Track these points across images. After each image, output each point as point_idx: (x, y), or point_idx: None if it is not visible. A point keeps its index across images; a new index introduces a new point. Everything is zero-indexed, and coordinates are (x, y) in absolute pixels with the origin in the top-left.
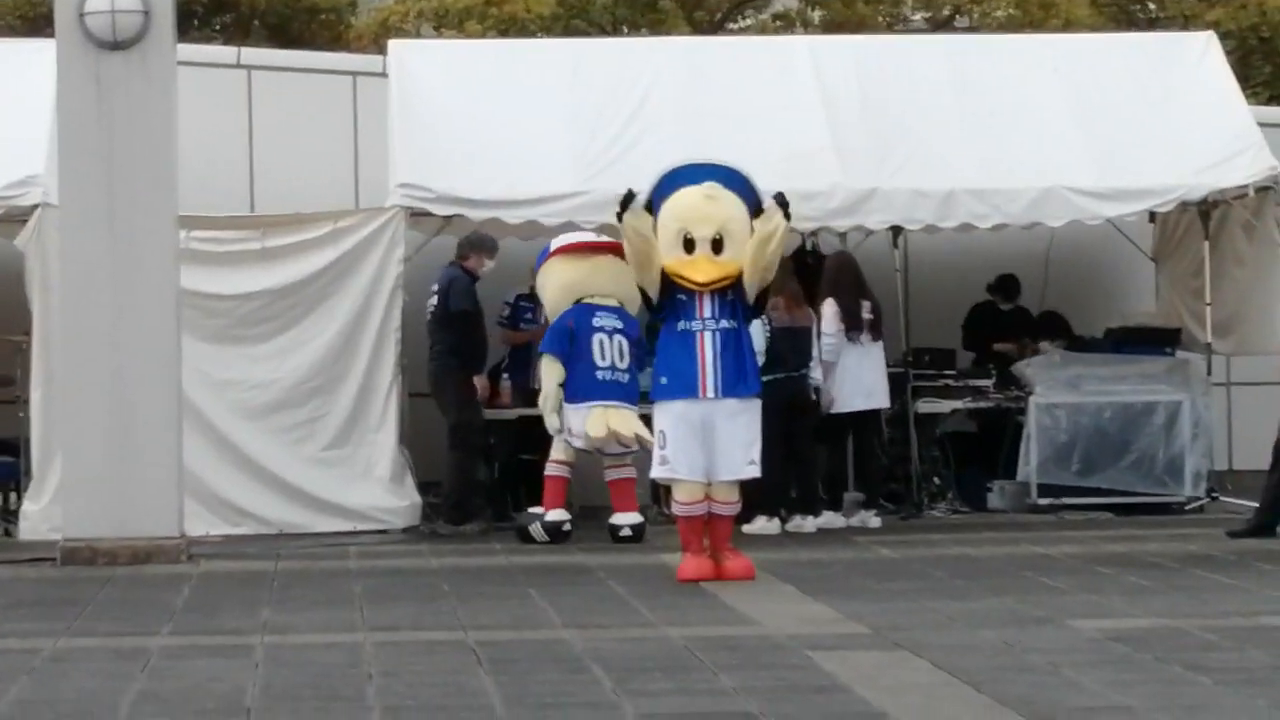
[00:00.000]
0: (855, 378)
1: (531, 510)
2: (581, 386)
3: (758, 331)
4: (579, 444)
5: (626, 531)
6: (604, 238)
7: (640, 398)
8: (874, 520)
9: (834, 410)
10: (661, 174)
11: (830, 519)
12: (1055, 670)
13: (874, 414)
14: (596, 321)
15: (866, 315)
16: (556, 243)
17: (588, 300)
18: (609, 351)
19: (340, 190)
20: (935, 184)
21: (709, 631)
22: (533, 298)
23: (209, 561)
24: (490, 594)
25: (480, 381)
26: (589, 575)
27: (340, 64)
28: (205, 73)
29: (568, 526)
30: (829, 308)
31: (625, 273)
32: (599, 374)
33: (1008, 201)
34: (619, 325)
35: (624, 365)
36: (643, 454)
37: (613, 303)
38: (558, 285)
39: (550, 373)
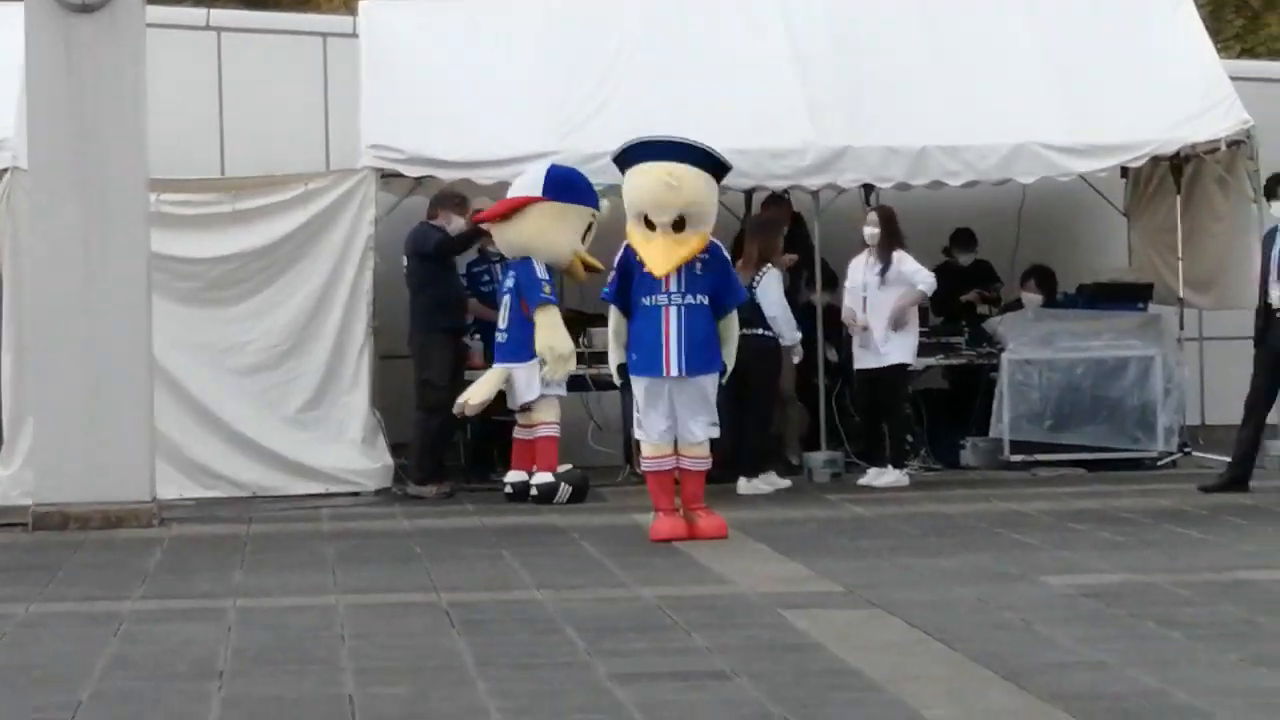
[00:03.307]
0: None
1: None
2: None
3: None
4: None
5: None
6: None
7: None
8: (904, 478)
9: (895, 362)
10: (621, 149)
11: (898, 477)
12: (1028, 627)
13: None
14: (505, 282)
15: None
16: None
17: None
18: (502, 312)
19: (311, 152)
20: (907, 141)
21: (682, 591)
22: (485, 261)
23: (181, 525)
24: (462, 555)
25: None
26: (561, 536)
27: (310, 25)
28: (175, 35)
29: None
30: (911, 261)
31: (539, 225)
32: (497, 336)
33: (979, 158)
34: (510, 282)
35: (504, 325)
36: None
37: (519, 257)
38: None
39: None
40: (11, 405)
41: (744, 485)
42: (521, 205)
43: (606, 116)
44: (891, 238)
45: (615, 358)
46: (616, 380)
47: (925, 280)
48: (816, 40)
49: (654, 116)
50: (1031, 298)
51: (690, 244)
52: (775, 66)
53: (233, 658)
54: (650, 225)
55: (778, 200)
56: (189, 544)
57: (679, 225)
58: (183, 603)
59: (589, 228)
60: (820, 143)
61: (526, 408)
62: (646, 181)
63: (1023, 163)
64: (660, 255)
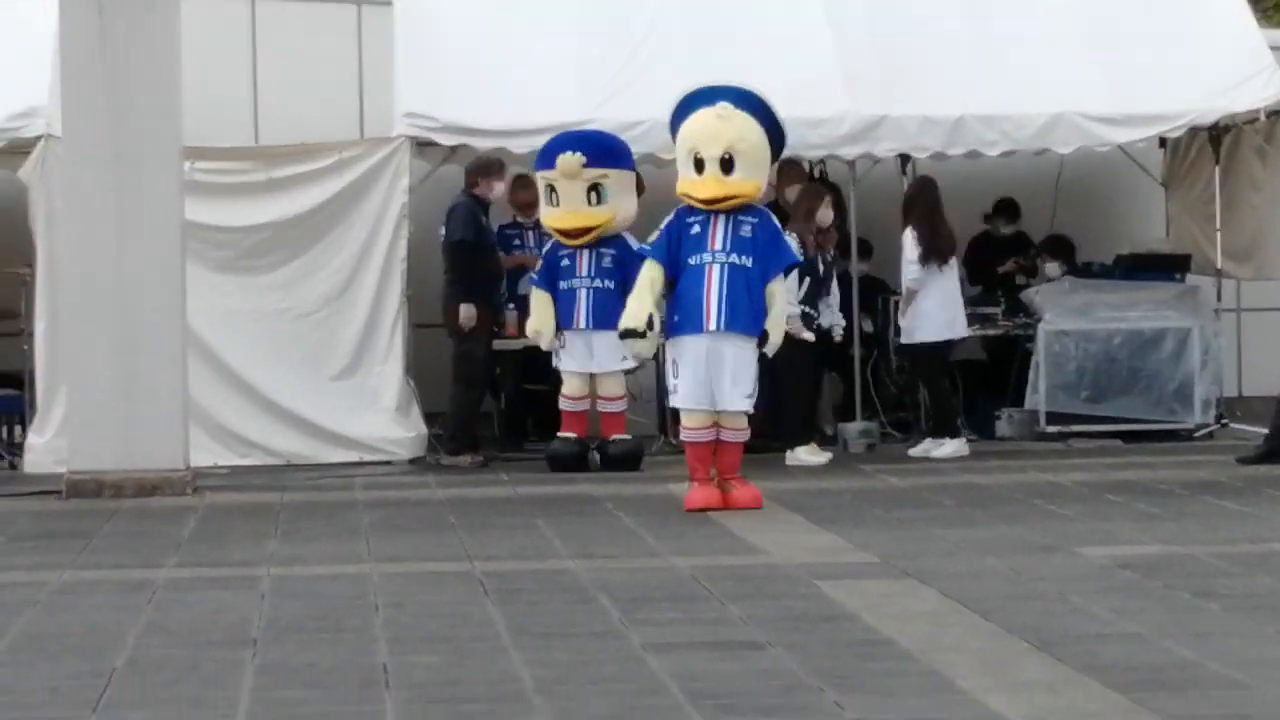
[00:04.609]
0: (939, 306)
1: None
2: None
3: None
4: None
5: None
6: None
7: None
8: (965, 449)
9: (922, 340)
10: (678, 99)
11: (958, 447)
12: (1063, 598)
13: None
14: None
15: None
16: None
17: None
18: None
19: (345, 120)
20: (944, 110)
21: (716, 561)
22: (517, 225)
23: (215, 493)
24: (496, 524)
25: (466, 310)
26: (596, 505)
27: None
28: (209, 2)
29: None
30: (909, 246)
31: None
32: None
33: (1017, 128)
34: None
35: None
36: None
37: None
38: None
39: None
40: (46, 373)
41: (790, 457)
42: None
43: (641, 85)
44: (907, 211)
45: (642, 308)
46: (640, 328)
47: (906, 276)
48: (853, 9)
49: (688, 86)
50: (1051, 266)
51: (739, 187)
52: (811, 36)
53: (266, 626)
54: (699, 167)
55: (792, 164)
56: (223, 512)
57: (727, 166)
58: (217, 571)
59: (550, 188)
60: (857, 112)
61: None
62: (698, 119)
63: (1060, 132)
64: (708, 186)
